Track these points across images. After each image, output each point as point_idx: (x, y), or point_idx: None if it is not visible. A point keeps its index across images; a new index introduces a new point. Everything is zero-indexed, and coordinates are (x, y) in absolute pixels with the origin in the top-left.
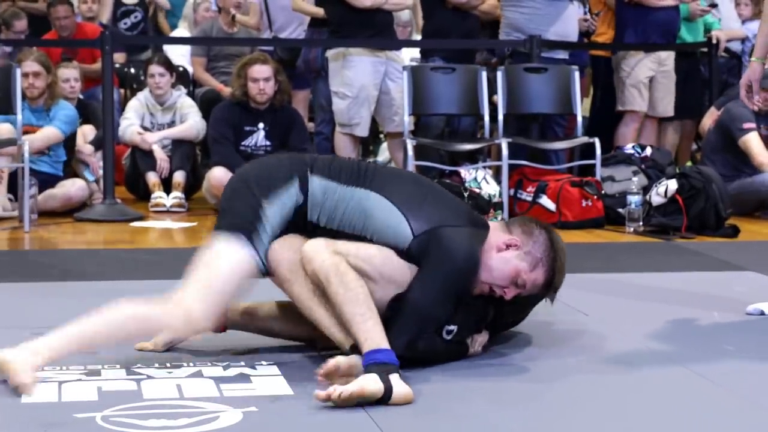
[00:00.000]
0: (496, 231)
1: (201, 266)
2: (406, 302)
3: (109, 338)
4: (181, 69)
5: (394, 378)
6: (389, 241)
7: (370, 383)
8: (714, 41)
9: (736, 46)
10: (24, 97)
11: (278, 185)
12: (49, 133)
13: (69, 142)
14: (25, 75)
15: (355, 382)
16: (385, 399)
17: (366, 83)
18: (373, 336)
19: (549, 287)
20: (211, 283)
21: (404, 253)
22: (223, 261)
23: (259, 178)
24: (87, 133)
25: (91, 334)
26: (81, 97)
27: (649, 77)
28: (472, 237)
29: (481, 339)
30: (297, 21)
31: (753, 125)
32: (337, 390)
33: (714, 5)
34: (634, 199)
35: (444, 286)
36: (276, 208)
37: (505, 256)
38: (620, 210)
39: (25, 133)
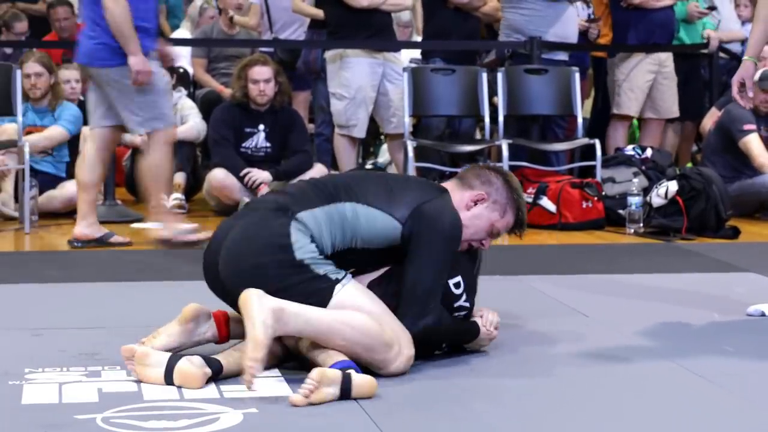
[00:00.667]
0: (456, 190)
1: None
2: (410, 287)
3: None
4: (181, 70)
5: (352, 371)
6: (381, 242)
7: (325, 371)
8: (705, 39)
9: (736, 48)
10: (27, 98)
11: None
12: (55, 132)
13: (73, 143)
14: (27, 76)
15: (311, 378)
16: (346, 388)
17: (363, 84)
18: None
19: (518, 225)
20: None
21: (398, 246)
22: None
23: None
24: (87, 134)
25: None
26: (82, 98)
27: (649, 81)
28: (448, 203)
29: (492, 318)
30: (298, 22)
31: (753, 126)
32: (304, 390)
33: (713, 8)
34: (634, 201)
35: (438, 257)
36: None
37: (476, 212)
38: (621, 211)
39: (30, 133)
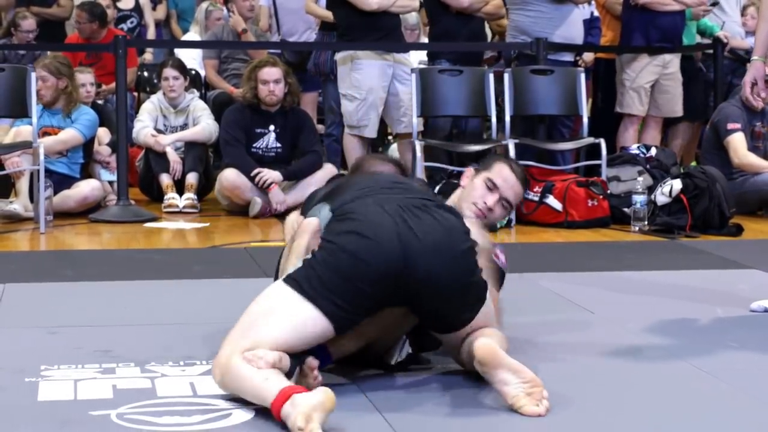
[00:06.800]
0: None
1: None
2: None
3: None
4: (193, 72)
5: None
6: None
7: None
8: (724, 40)
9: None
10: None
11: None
12: (69, 135)
13: (88, 145)
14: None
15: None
16: None
17: (374, 86)
18: None
19: None
20: None
21: None
22: None
23: None
24: (102, 136)
25: None
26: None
27: (651, 81)
28: None
29: None
30: (305, 25)
31: (737, 126)
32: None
33: (715, 3)
34: (639, 199)
35: None
36: None
37: None
38: (626, 209)
39: (47, 134)
